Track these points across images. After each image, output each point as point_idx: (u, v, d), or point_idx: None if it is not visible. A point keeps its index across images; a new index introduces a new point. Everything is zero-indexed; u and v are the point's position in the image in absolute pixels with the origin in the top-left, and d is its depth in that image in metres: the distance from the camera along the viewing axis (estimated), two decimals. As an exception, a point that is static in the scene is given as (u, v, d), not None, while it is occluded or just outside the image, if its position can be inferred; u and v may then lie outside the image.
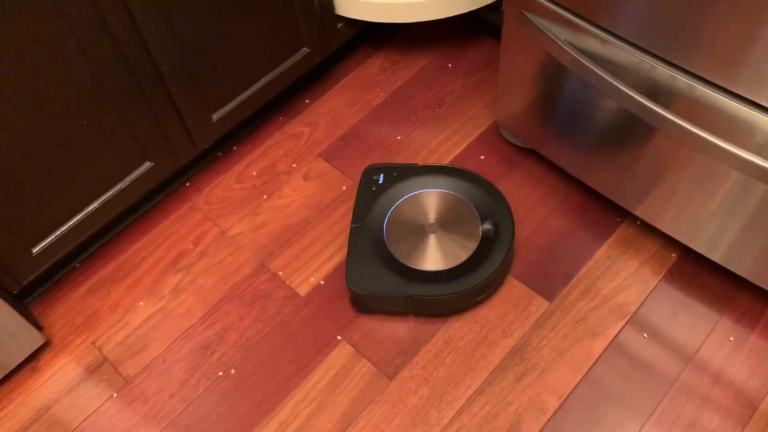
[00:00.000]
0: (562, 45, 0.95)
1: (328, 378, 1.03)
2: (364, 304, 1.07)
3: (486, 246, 1.07)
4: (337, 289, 1.11)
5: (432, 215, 1.11)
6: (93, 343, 1.09)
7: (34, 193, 0.98)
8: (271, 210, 1.22)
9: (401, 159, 1.26)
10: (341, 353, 1.05)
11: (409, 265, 1.05)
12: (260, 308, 1.11)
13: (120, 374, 1.06)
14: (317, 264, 1.15)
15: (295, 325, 1.09)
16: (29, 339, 1.04)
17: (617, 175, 1.06)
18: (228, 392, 1.03)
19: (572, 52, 0.94)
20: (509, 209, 1.10)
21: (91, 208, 1.06)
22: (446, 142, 1.28)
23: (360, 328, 1.07)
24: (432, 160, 1.25)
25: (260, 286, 1.13)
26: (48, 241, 1.04)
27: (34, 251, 1.03)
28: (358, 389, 1.01)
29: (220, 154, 1.31)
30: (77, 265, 1.18)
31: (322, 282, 1.12)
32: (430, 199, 1.13)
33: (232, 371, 1.05)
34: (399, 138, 1.29)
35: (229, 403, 1.02)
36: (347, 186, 1.24)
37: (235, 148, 1.31)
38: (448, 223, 1.10)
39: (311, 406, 1.01)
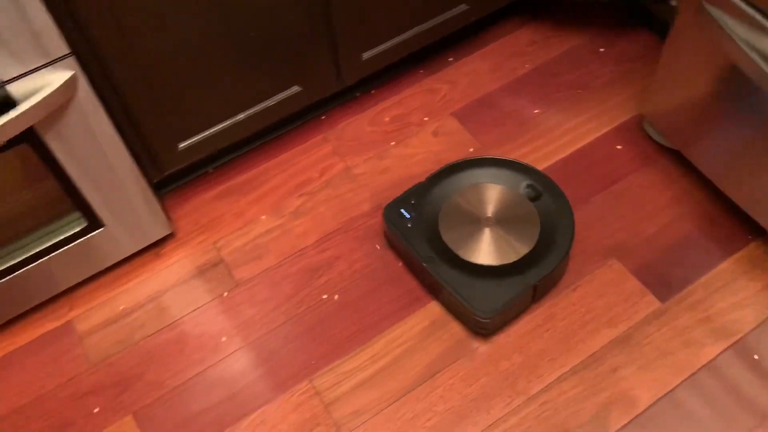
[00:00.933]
0: (740, 45, 0.90)
1: (423, 326, 1.05)
2: (497, 324, 1.02)
3: (541, 207, 1.08)
4: (447, 245, 1.13)
5: (480, 210, 1.08)
6: (214, 243, 1.17)
7: (193, 94, 1.04)
8: (397, 157, 1.25)
9: (532, 136, 1.25)
10: (436, 306, 1.07)
11: (507, 264, 1.03)
12: (370, 246, 1.14)
13: (233, 277, 1.13)
14: (433, 216, 1.17)
15: (400, 269, 1.11)
16: (159, 226, 1.13)
17: (763, 190, 1.01)
18: (328, 315, 1.08)
19: (751, 55, 0.89)
20: (529, 166, 1.12)
21: (238, 117, 1.12)
22: (583, 125, 1.26)
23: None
24: (564, 141, 1.24)
25: (374, 226, 1.17)
26: (194, 140, 1.11)
27: (180, 146, 1.10)
28: (451, 343, 1.03)
29: (358, 94, 1.34)
30: (211, 171, 1.26)
31: (434, 234, 1.15)
32: (464, 198, 1.10)
33: (336, 297, 1.09)
34: (536, 112, 1.28)
35: (328, 325, 1.07)
36: (474, 149, 1.24)
37: (373, 92, 1.34)
38: (497, 208, 1.08)
39: (402, 347, 1.04)
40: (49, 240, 1.03)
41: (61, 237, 1.04)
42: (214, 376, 1.03)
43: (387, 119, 1.30)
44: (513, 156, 1.23)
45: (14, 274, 1.02)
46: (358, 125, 1.30)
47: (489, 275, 1.02)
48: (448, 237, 1.06)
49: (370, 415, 0.98)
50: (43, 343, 1.08)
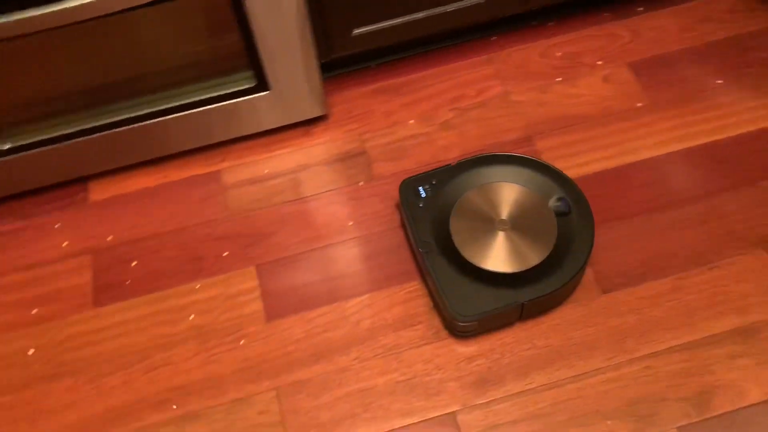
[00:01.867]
0: None
1: (544, 262, 1.05)
2: (470, 331, 0.98)
3: (564, 223, 0.99)
4: (589, 191, 1.10)
5: (496, 211, 1.02)
6: (360, 135, 1.20)
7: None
8: (559, 94, 1.22)
9: (706, 106, 1.17)
10: (566, 248, 1.06)
11: (503, 272, 0.97)
12: (510, 174, 1.14)
13: (371, 170, 1.16)
14: (579, 161, 1.14)
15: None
16: (316, 105, 1.17)
17: None
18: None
19: None
20: (567, 177, 1.03)
21: (416, 16, 1.13)
22: (765, 107, 1.17)
23: (599, 236, 1.05)
24: (741, 119, 1.15)
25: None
26: (369, 28, 1.13)
27: (354, 32, 1.13)
28: (568, 285, 1.03)
29: (535, 23, 1.30)
30: (372, 66, 1.29)
31: (575, 177, 1.12)
32: (485, 195, 1.03)
33: (464, 213, 1.11)
34: (718, 82, 1.20)
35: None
36: (642, 104, 1.18)
37: (551, 24, 1.30)
38: (516, 213, 1.01)
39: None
40: (218, 91, 1.11)
41: (230, 91, 1.11)
42: (335, 254, 1.08)
43: (558, 54, 1.26)
44: (679, 122, 1.16)
45: (182, 114, 1.11)
46: (527, 54, 1.27)
47: (482, 279, 0.96)
48: (456, 229, 1.00)
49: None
50: (192, 184, 1.17)
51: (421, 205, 1.03)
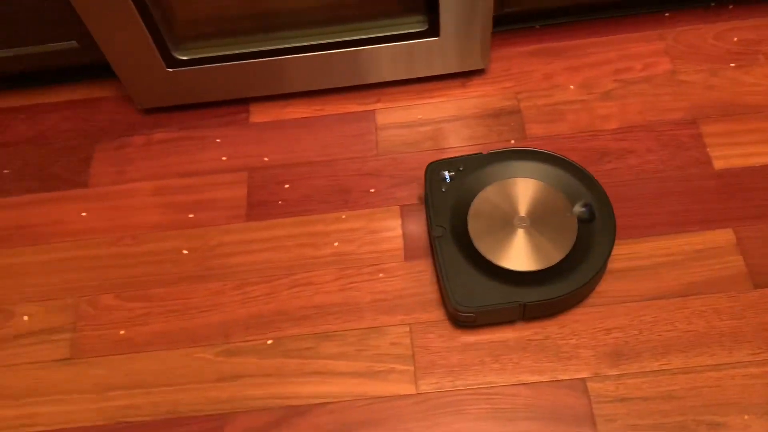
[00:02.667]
0: None
1: (695, 248, 1.01)
2: (470, 322, 0.97)
3: (586, 229, 0.95)
4: (749, 184, 1.06)
5: (518, 207, 0.99)
6: (516, 93, 1.20)
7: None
8: (731, 80, 1.16)
9: None
10: (720, 237, 1.02)
11: (513, 270, 0.95)
12: (669, 154, 1.10)
13: (524, 129, 1.16)
14: (748, 151, 1.09)
15: (690, 187, 1.07)
16: (479, 58, 1.17)
17: None
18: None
19: None
20: (598, 183, 0.99)
21: (599, -22, 1.11)
22: None
23: (756, 231, 1.02)
24: None
25: (680, 137, 1.12)
26: (547, -13, 1.12)
27: (531, -11, 1.13)
28: (719, 275, 0.99)
29: (713, 4, 1.25)
30: (537, 27, 1.27)
31: (740, 168, 1.07)
32: (509, 189, 1.01)
33: (618, 187, 1.08)
34: None
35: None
36: (823, 102, 1.12)
37: (731, 6, 1.24)
38: (537, 213, 0.98)
39: (668, 258, 1.01)
40: (386, 31, 1.12)
41: (398, 32, 1.12)
42: (479, 206, 1.09)
43: (735, 39, 1.20)
44: None
45: (347, 50, 1.13)
46: (701, 34, 1.22)
47: (488, 273, 0.95)
48: (474, 219, 0.99)
49: (613, 301, 0.99)
50: (346, 120, 1.20)
51: (444, 189, 1.02)
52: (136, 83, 1.16)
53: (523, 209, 0.99)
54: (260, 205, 1.12)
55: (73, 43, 1.14)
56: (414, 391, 0.94)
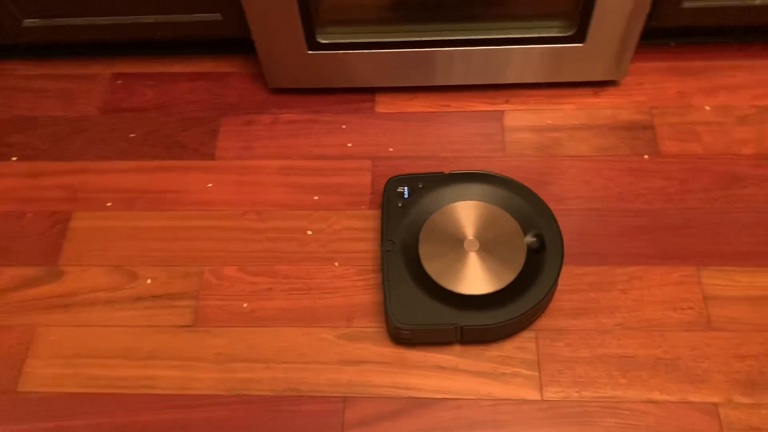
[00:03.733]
0: None
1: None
2: (406, 339, 0.96)
3: (534, 259, 0.96)
4: None
5: (470, 230, 0.99)
6: (650, 108, 1.18)
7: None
8: None
9: None
10: None
11: (455, 291, 0.94)
12: (809, 185, 1.08)
13: (658, 145, 1.14)
14: None
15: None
16: (617, 68, 1.15)
17: None
18: (737, 223, 1.04)
19: None
20: (553, 216, 0.99)
21: (753, 2, 1.09)
22: None
23: None
24: None
25: (820, 169, 1.09)
26: (700, 3, 1.10)
27: (684, 5, 1.10)
28: None
29: None
30: (672, 45, 1.25)
31: None
32: (465, 211, 1.01)
33: (752, 213, 1.05)
34: None
35: (734, 231, 1.04)
36: None
37: None
38: (488, 238, 0.99)
39: (741, 292, 1.00)
40: (528, 33, 1.11)
41: (540, 35, 1.11)
42: (611, 219, 1.07)
43: None
44: None
45: (484, 47, 1.13)
46: None
47: (430, 293, 0.95)
48: (425, 239, 0.99)
49: (749, 329, 0.96)
50: (473, 119, 1.20)
51: (400, 204, 1.02)
52: (274, 62, 1.16)
53: (474, 233, 1.00)
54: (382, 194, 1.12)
55: (218, 16, 1.15)
56: (539, 398, 0.93)
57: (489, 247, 0.98)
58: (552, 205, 1.07)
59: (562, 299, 1.00)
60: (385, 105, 1.23)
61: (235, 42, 1.27)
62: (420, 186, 1.04)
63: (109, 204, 1.14)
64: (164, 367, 0.98)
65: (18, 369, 0.99)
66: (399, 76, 1.20)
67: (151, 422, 0.94)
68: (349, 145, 1.18)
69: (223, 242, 1.09)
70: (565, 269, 1.02)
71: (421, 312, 0.93)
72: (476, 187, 1.03)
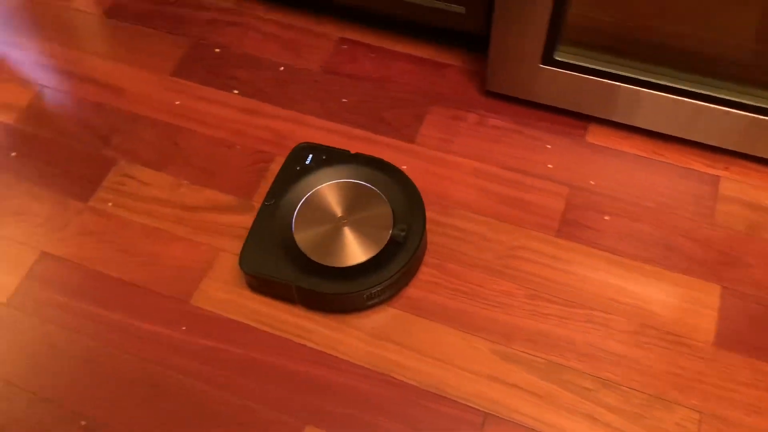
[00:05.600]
0: None
1: None
2: (254, 286, 1.04)
3: (391, 251, 1.01)
4: None
5: (347, 208, 1.05)
6: None
7: None
8: None
9: None
10: None
11: (307, 256, 1.01)
12: None
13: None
14: None
15: None
16: None
17: None
18: None
19: None
20: (424, 218, 1.04)
21: None
22: None
23: None
24: None
25: None
26: None
27: None
28: None
29: None
30: None
31: None
32: (350, 190, 1.07)
33: None
34: None
35: None
36: None
37: None
38: (360, 218, 1.05)
39: None
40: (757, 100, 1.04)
41: (790, 111, 1.03)
42: (813, 324, 0.98)
43: None
44: None
45: (715, 105, 1.06)
46: None
47: (287, 250, 1.01)
48: (304, 205, 1.05)
49: None
50: (685, 176, 1.13)
51: (298, 168, 1.09)
52: (501, 67, 1.16)
53: (349, 210, 1.06)
54: (573, 225, 1.09)
55: (461, 9, 1.17)
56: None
57: (356, 227, 1.05)
58: (746, 290, 1.00)
59: (736, 390, 0.92)
60: (596, 136, 1.19)
61: (463, 36, 1.28)
62: (323, 158, 1.11)
63: (308, 157, 1.19)
64: (321, 324, 1.02)
65: (195, 284, 1.06)
66: (618, 111, 1.15)
67: (298, 372, 0.97)
68: (550, 166, 1.15)
69: (404, 225, 1.10)
70: (747, 360, 0.94)
71: (269, 265, 1.01)
72: (371, 172, 1.09)
